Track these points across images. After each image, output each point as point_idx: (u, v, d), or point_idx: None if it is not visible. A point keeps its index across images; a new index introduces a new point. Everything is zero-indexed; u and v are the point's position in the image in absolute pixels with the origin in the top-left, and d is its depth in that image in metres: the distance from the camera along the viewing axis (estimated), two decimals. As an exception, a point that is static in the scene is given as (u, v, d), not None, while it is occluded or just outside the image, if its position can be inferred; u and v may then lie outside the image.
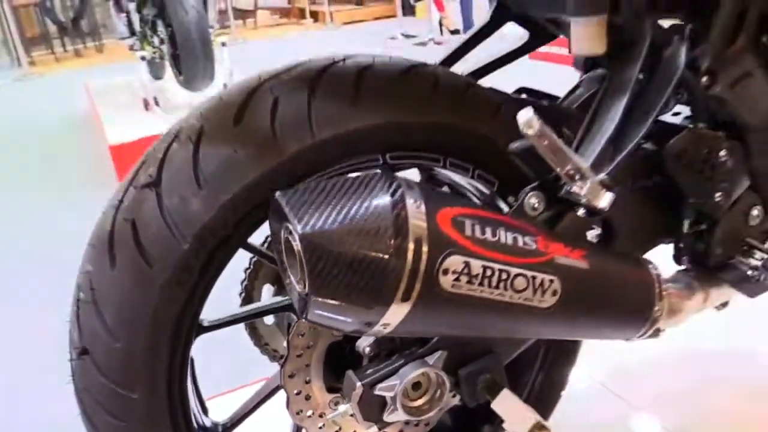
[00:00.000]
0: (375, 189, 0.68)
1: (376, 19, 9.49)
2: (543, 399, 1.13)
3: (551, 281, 0.76)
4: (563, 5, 0.94)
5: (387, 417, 0.85)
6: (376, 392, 0.84)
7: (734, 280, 1.11)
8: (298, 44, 8.93)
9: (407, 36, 7.92)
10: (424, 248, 0.68)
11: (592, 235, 0.93)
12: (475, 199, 1.00)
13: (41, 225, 3.58)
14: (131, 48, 5.26)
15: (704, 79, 0.99)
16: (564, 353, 1.13)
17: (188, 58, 4.35)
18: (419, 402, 0.87)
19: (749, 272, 1.10)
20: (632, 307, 0.89)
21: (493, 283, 0.72)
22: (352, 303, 0.68)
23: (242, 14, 10.83)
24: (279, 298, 1.00)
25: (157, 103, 4.73)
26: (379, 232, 0.66)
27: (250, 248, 0.91)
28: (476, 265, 0.70)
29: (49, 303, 2.54)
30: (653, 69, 0.95)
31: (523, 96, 1.19)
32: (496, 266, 0.72)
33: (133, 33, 5.19)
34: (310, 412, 0.94)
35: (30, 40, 10.07)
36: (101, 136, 4.56)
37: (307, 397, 0.92)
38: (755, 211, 1.09)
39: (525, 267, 0.74)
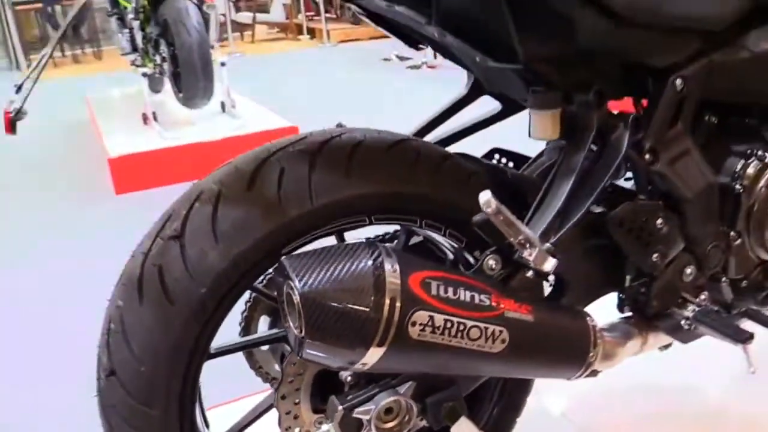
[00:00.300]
0: (360, 256, 0.85)
1: (372, 38, 9.63)
2: (499, 426, 1.30)
3: (501, 331, 0.93)
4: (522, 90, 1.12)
5: (364, 437, 1.02)
6: (355, 415, 1.00)
7: (669, 329, 1.28)
8: (295, 61, 9.12)
9: (401, 58, 8.08)
10: (397, 304, 0.85)
11: (550, 278, 1.10)
12: (448, 252, 1.17)
13: (37, 234, 3.71)
14: (132, 63, 5.41)
15: (647, 156, 1.17)
16: (519, 385, 1.30)
17: (189, 77, 4.50)
18: (391, 425, 1.03)
19: (683, 322, 1.27)
20: (570, 353, 1.06)
21: (452, 333, 0.89)
22: (339, 346, 0.84)
23: (240, 27, 11.01)
24: (274, 330, 1.16)
25: (155, 119, 4.88)
26: (362, 291, 0.83)
27: (255, 289, 1.07)
28: (439, 319, 0.87)
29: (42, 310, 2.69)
30: (601, 150, 1.13)
31: (496, 156, 1.37)
32: (455, 319, 0.89)
33: (135, 49, 5.34)
34: (297, 430, 1.10)
35: (29, 44, 10.21)
36: (100, 147, 4.72)
37: (296, 417, 1.09)
38: (689, 270, 1.26)
39: (479, 320, 0.91)
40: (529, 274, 1.00)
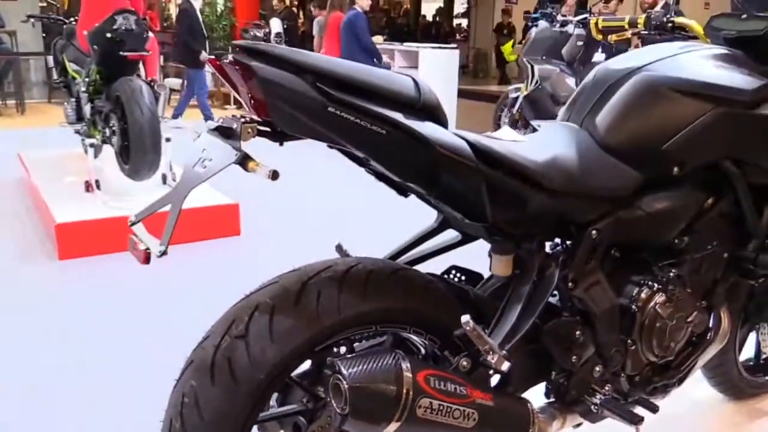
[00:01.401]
0: (386, 359, 1.24)
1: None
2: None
3: (473, 413, 1.32)
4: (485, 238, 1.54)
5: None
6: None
7: (582, 412, 1.71)
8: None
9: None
10: (410, 394, 1.23)
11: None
12: (422, 348, 1.55)
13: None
14: (78, 132, 5.63)
15: (570, 285, 1.60)
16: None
17: (138, 152, 4.74)
18: None
19: (592, 407, 1.69)
20: (517, 429, 1.46)
21: (443, 414, 1.27)
22: (371, 422, 1.22)
23: (171, 93, 11.26)
24: (294, 406, 1.50)
25: (98, 187, 5.11)
26: (388, 384, 1.22)
27: (291, 378, 1.42)
28: (435, 404, 1.26)
29: None
30: (539, 281, 1.55)
31: (453, 271, 1.78)
32: (446, 404, 1.28)
33: (80, 118, 5.55)
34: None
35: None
36: (42, 210, 4.92)
37: (310, 471, 1.44)
38: (597, 368, 1.69)
39: (460, 405, 1.30)
40: (491, 371, 1.40)
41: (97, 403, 2.73)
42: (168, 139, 5.09)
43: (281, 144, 1.30)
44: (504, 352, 1.39)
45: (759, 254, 1.94)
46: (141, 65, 5.33)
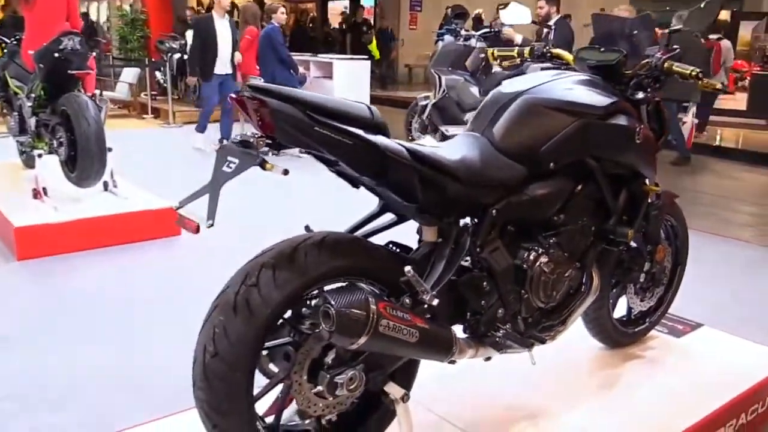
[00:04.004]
0: (358, 294, 1.83)
1: (215, 121, 10.21)
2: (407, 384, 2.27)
3: (415, 332, 1.93)
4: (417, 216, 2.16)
5: (338, 392, 1.96)
6: (334, 380, 1.94)
7: (490, 343, 2.33)
8: (151, 141, 9.74)
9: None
10: (374, 317, 1.82)
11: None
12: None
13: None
14: (21, 144, 5.98)
15: (477, 249, 2.22)
16: (412, 362, 2.27)
17: (85, 161, 5.15)
18: (352, 387, 1.97)
19: (498, 340, 2.32)
20: (443, 346, 2.07)
21: (395, 331, 1.87)
22: (349, 335, 1.80)
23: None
24: (288, 339, 2.05)
25: (46, 194, 5.50)
26: (360, 309, 1.80)
27: (284, 319, 1.98)
28: (391, 324, 1.86)
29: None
30: (456, 246, 2.17)
31: (391, 245, 2.37)
32: (397, 325, 1.88)
33: (23, 131, 5.89)
34: (300, 393, 2.00)
35: None
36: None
37: (299, 384, 2.00)
38: (500, 311, 2.30)
39: (406, 326, 1.90)
40: (425, 306, 2.01)
41: (55, 387, 3.22)
42: (110, 149, 5.49)
43: (278, 152, 1.86)
44: (433, 293, 2.01)
45: (616, 227, 2.62)
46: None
